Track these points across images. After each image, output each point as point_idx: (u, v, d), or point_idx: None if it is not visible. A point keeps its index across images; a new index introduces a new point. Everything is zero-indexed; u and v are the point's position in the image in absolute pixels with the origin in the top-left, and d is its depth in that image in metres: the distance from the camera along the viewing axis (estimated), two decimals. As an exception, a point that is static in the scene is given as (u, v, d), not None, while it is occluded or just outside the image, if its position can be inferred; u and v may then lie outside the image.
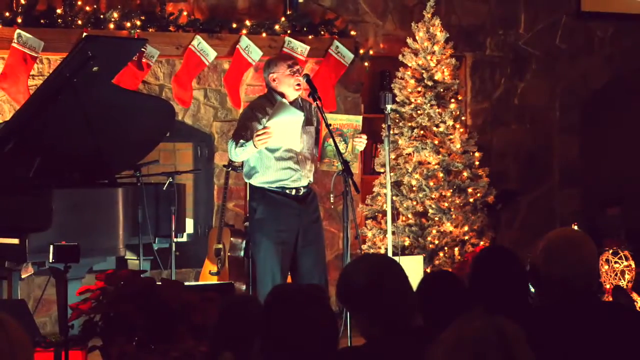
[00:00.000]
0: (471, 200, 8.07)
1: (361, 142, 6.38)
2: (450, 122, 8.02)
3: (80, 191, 6.17)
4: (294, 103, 6.31)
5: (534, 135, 9.35)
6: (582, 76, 9.52)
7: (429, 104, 8.00)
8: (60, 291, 5.90)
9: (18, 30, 7.21)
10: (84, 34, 7.19)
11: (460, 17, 9.00)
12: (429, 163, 7.99)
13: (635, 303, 6.90)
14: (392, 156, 7.93)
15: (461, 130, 8.13)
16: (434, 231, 7.91)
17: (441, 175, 7.97)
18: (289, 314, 2.98)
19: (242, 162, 6.48)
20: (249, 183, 6.47)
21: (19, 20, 7.27)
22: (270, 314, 3.02)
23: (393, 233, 7.02)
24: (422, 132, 8.05)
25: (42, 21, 7.37)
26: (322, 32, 8.24)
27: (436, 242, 7.91)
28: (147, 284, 5.20)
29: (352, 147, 6.39)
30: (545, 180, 9.41)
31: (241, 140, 6.15)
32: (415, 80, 8.09)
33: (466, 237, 7.99)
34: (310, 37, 8.16)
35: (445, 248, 7.92)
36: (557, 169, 9.44)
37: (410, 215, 7.98)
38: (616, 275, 6.98)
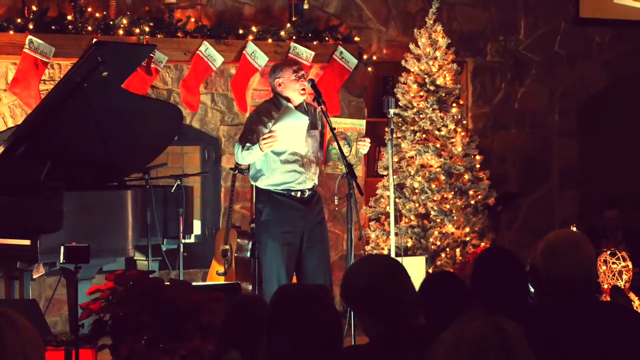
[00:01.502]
0: (472, 202, 8.08)
1: (365, 146, 6.42)
2: (451, 126, 8.05)
3: (91, 193, 6.18)
4: (299, 107, 6.34)
5: (533, 139, 9.37)
6: (580, 81, 9.54)
7: (431, 108, 8.02)
8: (71, 291, 5.87)
9: (29, 36, 7.23)
10: (94, 39, 7.17)
11: (461, 24, 9.03)
12: (431, 166, 8.02)
13: (633, 303, 6.91)
14: (395, 159, 7.94)
15: (462, 134, 8.15)
16: (436, 232, 7.94)
17: (443, 177, 7.99)
18: (294, 313, 2.98)
19: (249, 165, 6.50)
20: (255, 185, 6.49)
21: (31, 27, 7.28)
22: (276, 314, 3.03)
23: (396, 234, 7.05)
24: (424, 135, 8.07)
25: (53, 27, 7.37)
26: (327, 38, 8.26)
27: (438, 243, 7.93)
28: (155, 284, 5.18)
29: (356, 151, 6.41)
30: (545, 182, 9.43)
31: (247, 144, 6.18)
32: (417, 85, 8.12)
33: (467, 239, 8.01)
34: (315, 43, 8.18)
35: (447, 249, 7.95)
36: (556, 172, 9.45)
37: (412, 217, 8.01)
38: (614, 275, 6.96)
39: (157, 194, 6.66)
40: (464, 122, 8.41)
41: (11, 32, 7.29)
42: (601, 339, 3.40)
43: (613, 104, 9.62)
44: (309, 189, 6.40)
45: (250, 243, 7.46)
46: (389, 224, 7.10)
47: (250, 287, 7.30)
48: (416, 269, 7.36)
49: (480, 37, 9.17)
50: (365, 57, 8.49)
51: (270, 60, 7.81)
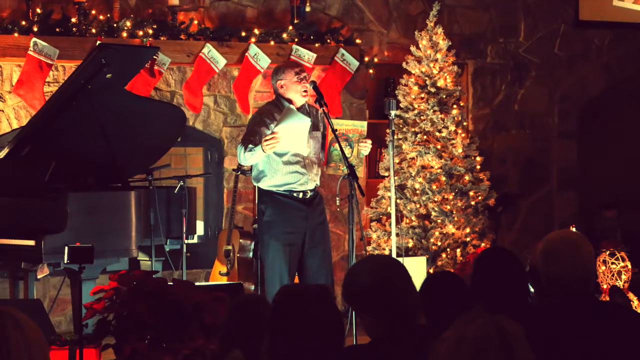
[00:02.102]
0: (473, 203, 8.12)
1: (366, 147, 6.44)
2: (452, 128, 8.09)
3: (94, 194, 6.18)
4: (301, 109, 6.35)
5: (533, 140, 9.39)
6: (579, 83, 9.56)
7: (431, 110, 8.07)
8: (75, 291, 5.89)
9: (34, 39, 7.25)
10: (98, 42, 7.20)
11: (462, 26, 9.05)
12: (431, 167, 8.05)
13: (632, 303, 6.93)
14: (396, 160, 8.00)
15: (463, 135, 8.19)
16: (437, 233, 7.98)
17: (444, 179, 8.03)
18: (296, 313, 2.98)
19: (251, 166, 6.50)
20: (258, 186, 6.50)
21: (35, 29, 7.30)
22: (278, 314, 3.03)
23: (397, 235, 7.06)
24: (425, 137, 8.11)
25: (57, 30, 7.39)
26: (329, 41, 8.29)
27: (439, 243, 7.97)
28: (159, 284, 5.19)
29: (358, 152, 6.43)
30: (544, 183, 9.45)
31: (250, 145, 6.19)
32: (418, 87, 8.16)
33: (468, 239, 8.04)
34: (317, 45, 8.21)
35: (448, 249, 7.99)
36: (556, 173, 9.47)
37: (413, 218, 8.05)
38: (613, 275, 6.99)
39: (160, 195, 6.66)
40: (465, 123, 8.43)
41: (16, 35, 7.31)
42: (601, 339, 3.39)
43: (612, 105, 9.63)
44: (310, 190, 6.42)
45: (253, 243, 7.48)
46: (390, 224, 7.13)
47: (252, 287, 7.32)
48: (417, 269, 7.41)
49: (480, 40, 9.19)
50: (366, 59, 8.52)
51: (273, 62, 7.85)
